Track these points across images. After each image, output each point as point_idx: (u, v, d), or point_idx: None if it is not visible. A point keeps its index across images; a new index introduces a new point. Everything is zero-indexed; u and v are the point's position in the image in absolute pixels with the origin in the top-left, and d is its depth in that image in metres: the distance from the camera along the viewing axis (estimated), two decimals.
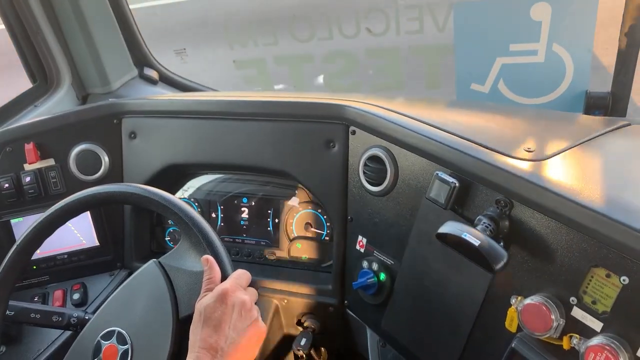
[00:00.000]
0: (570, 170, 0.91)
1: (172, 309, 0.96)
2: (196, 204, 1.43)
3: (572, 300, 0.81)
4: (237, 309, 0.85)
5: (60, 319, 1.11)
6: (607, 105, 1.48)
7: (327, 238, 1.31)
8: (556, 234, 0.83)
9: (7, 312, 1.08)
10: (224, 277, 0.92)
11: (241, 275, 0.92)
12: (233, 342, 0.82)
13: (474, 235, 0.86)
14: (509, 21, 1.54)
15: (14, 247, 1.01)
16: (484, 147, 0.96)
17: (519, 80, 1.61)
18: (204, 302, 0.85)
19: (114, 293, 1.02)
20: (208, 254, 0.95)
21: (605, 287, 0.78)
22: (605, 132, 1.04)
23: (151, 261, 1.02)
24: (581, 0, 1.46)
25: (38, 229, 1.02)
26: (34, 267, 1.41)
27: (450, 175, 0.96)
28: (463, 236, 0.86)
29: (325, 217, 1.30)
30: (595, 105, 1.53)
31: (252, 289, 0.92)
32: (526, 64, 1.58)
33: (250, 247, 1.39)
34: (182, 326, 0.95)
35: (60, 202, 1.02)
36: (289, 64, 1.84)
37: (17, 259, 1.01)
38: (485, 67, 1.63)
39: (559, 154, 0.93)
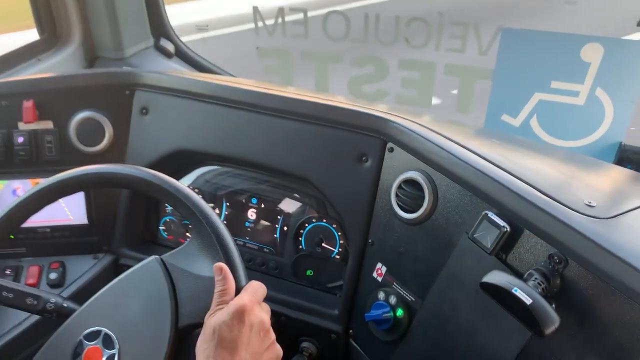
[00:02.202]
0: (636, 235, 0.82)
1: (171, 316, 0.85)
2: (200, 195, 1.32)
3: None
4: (256, 329, 0.75)
5: (35, 302, 0.98)
6: None
7: (337, 257, 1.21)
8: (612, 303, 0.74)
9: None
10: (238, 289, 0.81)
11: (258, 289, 0.81)
12: None
13: (525, 292, 0.76)
14: (556, 57, 1.46)
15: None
16: (541, 192, 0.87)
17: (553, 119, 1.53)
18: (218, 318, 0.75)
19: (105, 287, 0.90)
20: (220, 259, 0.84)
21: None
22: None
23: (152, 257, 0.91)
24: (637, 47, 1.39)
25: (25, 204, 0.89)
26: (11, 236, 1.28)
27: (500, 218, 0.86)
28: (513, 291, 0.77)
29: (339, 234, 1.20)
30: (628, 159, 1.47)
31: (266, 306, 0.82)
32: (564, 105, 1.50)
33: (252, 252, 1.28)
34: (180, 336, 0.85)
35: (54, 177, 0.89)
36: (315, 61, 1.73)
37: None
38: (521, 100, 1.55)
39: (623, 214, 0.85)
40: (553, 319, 0.75)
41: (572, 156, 1.20)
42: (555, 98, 1.53)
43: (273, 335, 0.79)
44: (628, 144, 1.48)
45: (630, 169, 1.44)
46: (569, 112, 1.51)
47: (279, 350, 0.79)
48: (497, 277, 0.80)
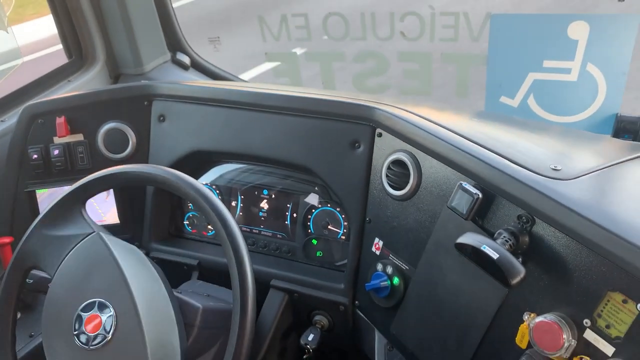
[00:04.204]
0: (595, 193, 0.90)
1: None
2: (217, 190, 1.45)
3: (586, 323, 0.81)
4: None
5: None
6: (637, 130, 1.46)
7: (343, 237, 1.32)
8: (575, 255, 0.83)
9: (27, 279, 1.10)
10: None
11: None
12: None
13: (493, 248, 0.86)
14: (545, 37, 1.53)
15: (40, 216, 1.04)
16: (510, 161, 0.96)
17: (549, 97, 1.59)
18: None
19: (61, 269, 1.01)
20: None
21: (621, 312, 0.77)
22: (635, 157, 1.03)
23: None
24: (621, 21, 1.45)
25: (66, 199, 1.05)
26: None
27: (473, 187, 0.96)
28: (482, 248, 0.86)
29: (343, 216, 1.31)
30: (624, 129, 1.51)
31: None
32: (558, 82, 1.56)
33: (267, 239, 1.41)
34: None
35: (90, 176, 1.04)
36: (320, 60, 1.85)
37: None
38: (517, 81, 1.61)
39: (585, 175, 0.93)
40: (518, 270, 0.84)
41: (550, 127, 1.27)
42: (548, 76, 1.58)
43: None
44: (624, 115, 1.53)
45: (627, 139, 1.49)
46: (564, 88, 1.57)
47: None
48: (468, 237, 0.90)
